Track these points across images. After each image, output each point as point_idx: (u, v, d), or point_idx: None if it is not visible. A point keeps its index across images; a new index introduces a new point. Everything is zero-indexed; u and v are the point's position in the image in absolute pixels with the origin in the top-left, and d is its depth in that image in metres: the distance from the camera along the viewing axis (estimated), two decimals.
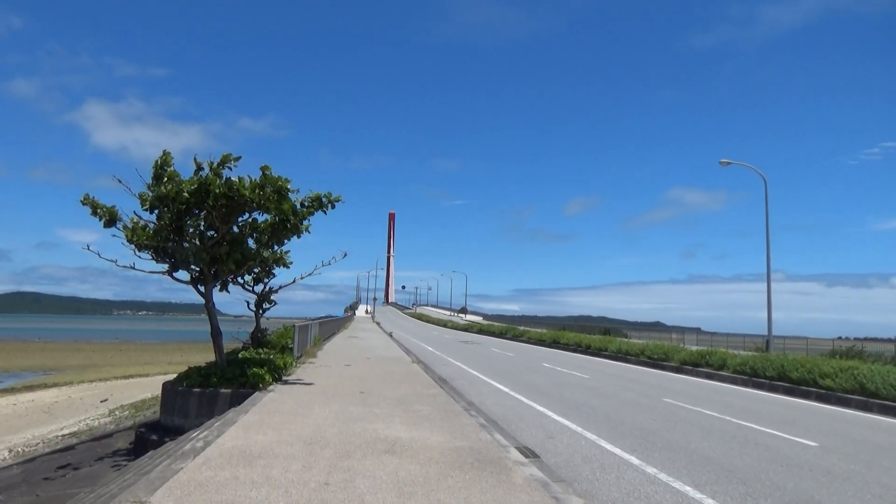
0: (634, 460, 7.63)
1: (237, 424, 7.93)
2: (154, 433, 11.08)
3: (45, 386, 37.47)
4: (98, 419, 24.02)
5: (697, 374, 19.21)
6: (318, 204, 12.43)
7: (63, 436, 20.96)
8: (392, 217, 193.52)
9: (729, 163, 31.16)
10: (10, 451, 19.34)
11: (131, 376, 41.54)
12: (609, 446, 8.43)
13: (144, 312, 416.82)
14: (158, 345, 78.23)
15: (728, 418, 11.18)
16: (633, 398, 13.67)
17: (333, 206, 12.56)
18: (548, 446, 8.31)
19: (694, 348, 22.68)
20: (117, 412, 25.04)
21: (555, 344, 34.64)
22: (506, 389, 14.65)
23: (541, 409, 11.72)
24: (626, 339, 30.59)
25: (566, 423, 10.23)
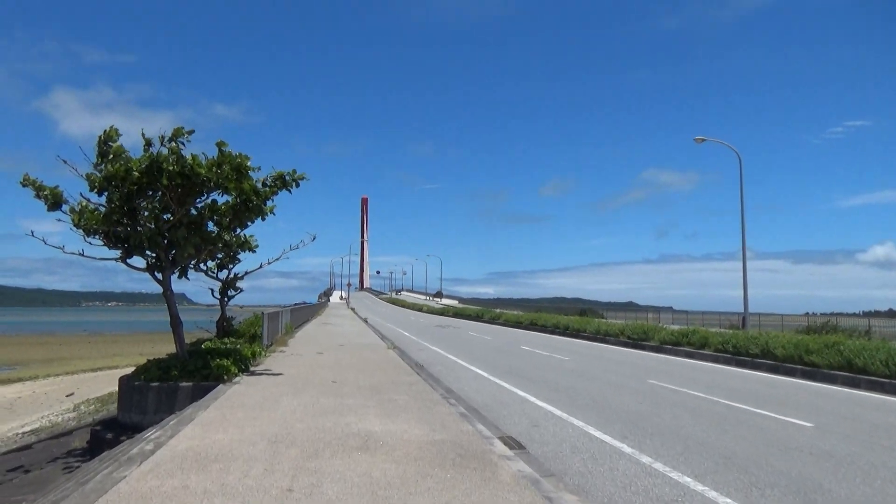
0: (626, 448, 7.12)
1: (195, 422, 7.21)
2: (110, 431, 10.31)
3: (9, 381, 36.03)
4: (62, 415, 23.03)
5: (678, 354, 18.91)
6: (282, 182, 11.64)
7: (22, 433, 19.98)
8: (365, 202, 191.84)
9: (703, 140, 30.86)
10: None
11: (100, 369, 40.22)
12: (598, 433, 7.91)
13: (114, 303, 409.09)
14: (128, 336, 76.39)
15: (716, 399, 10.77)
16: (616, 380, 13.23)
17: (298, 185, 11.79)
18: (533, 436, 7.76)
19: (675, 327, 22.41)
20: (82, 407, 24.05)
21: (532, 326, 34.29)
22: (485, 374, 14.11)
23: (523, 394, 11.20)
24: (604, 320, 30.32)
25: (551, 409, 9.71)
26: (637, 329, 22.58)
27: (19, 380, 36.24)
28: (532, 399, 10.64)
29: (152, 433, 6.95)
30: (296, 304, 48.17)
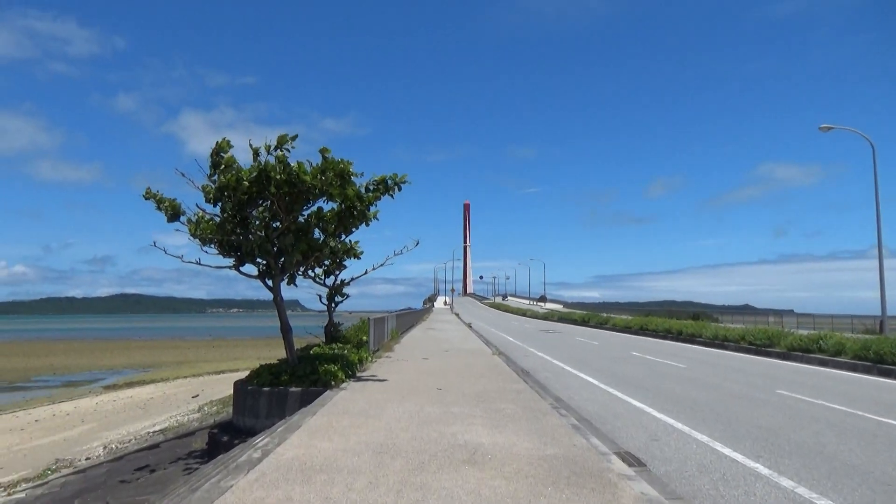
0: (762, 469, 6.37)
1: (302, 429, 7.21)
2: (226, 434, 10.65)
3: (143, 382, 39.00)
4: (187, 415, 24.45)
5: (809, 361, 17.28)
6: (384, 187, 11.63)
7: (153, 432, 21.34)
8: (467, 207, 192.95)
9: (830, 128, 28.32)
10: (105, 447, 19.79)
11: (222, 371, 42.69)
12: (727, 450, 7.17)
13: (235, 310, 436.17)
14: (248, 340, 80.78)
15: (862, 413, 9.60)
16: (740, 390, 12.18)
17: (400, 189, 11.74)
18: (653, 451, 7.16)
19: (803, 332, 20.58)
20: (206, 408, 25.44)
21: (642, 331, 32.81)
22: (595, 382, 13.45)
23: (638, 404, 10.50)
24: (721, 325, 28.42)
25: (670, 421, 9.00)
26: (760, 334, 20.91)
27: (152, 381, 39.14)
28: (648, 410, 9.94)
29: (261, 440, 7.00)
30: (401, 310, 49.00)
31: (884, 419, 9.13)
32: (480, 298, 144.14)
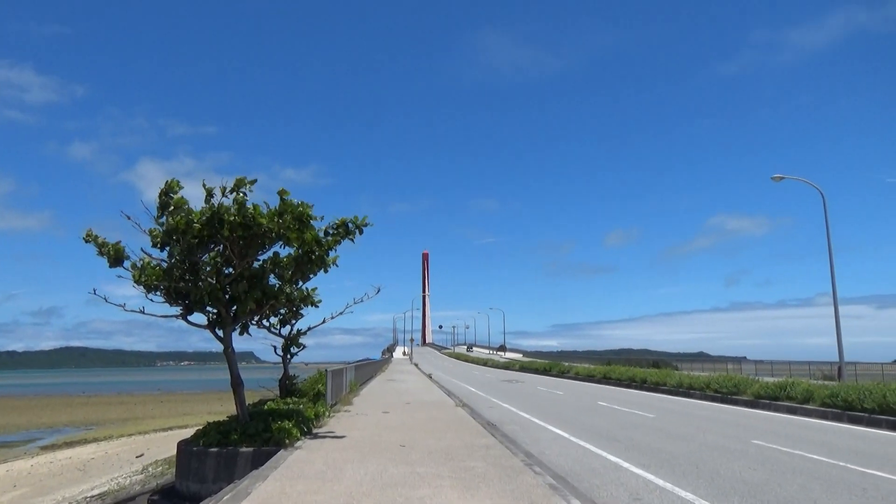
0: None
1: (249, 499, 6.42)
2: (168, 502, 9.67)
3: (85, 441, 36.66)
4: (130, 476, 22.79)
5: (777, 409, 17.05)
6: (345, 230, 11.08)
7: (90, 497, 19.73)
8: (426, 257, 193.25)
9: (782, 178, 29.13)
10: None
11: (170, 428, 40.52)
12: None
13: (186, 362, 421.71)
14: (199, 394, 77.53)
15: (843, 464, 9.25)
16: (715, 441, 11.76)
17: (361, 232, 11.20)
18: None
19: (770, 380, 20.46)
20: (151, 468, 23.80)
21: (605, 379, 32.45)
22: (565, 435, 12.87)
23: (613, 458, 9.95)
24: (686, 373, 28.27)
25: (649, 477, 8.46)
26: (725, 382, 20.71)
27: (95, 440, 36.79)
28: (625, 465, 9.39)
29: None
30: (360, 361, 47.69)
31: (868, 470, 8.78)
32: (440, 348, 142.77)
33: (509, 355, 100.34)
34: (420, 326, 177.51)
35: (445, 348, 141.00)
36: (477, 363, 74.00)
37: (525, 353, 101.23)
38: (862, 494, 7.34)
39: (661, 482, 8.12)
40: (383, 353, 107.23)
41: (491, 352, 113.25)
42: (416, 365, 63.76)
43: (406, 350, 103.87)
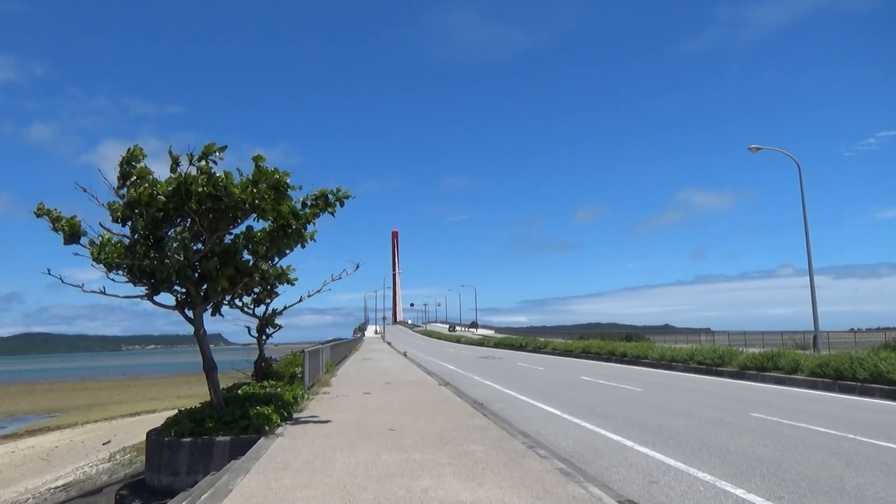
0: None
1: (231, 496, 5.71)
2: (137, 497, 8.88)
3: (49, 429, 35.33)
4: (96, 465, 21.84)
5: (764, 380, 16.86)
6: (324, 203, 10.26)
7: (55, 488, 18.78)
8: (395, 235, 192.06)
9: (759, 148, 28.90)
10: None
11: (137, 413, 39.32)
12: (740, 492, 6.16)
13: (153, 346, 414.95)
14: (167, 378, 75.86)
15: (853, 436, 8.91)
16: (713, 415, 11.38)
17: (342, 204, 10.39)
18: (660, 498, 6.06)
19: (754, 350, 20.31)
20: (118, 455, 22.86)
21: (585, 354, 32.28)
22: (557, 412, 12.39)
23: (614, 437, 9.46)
24: (668, 346, 28.16)
25: (658, 456, 7.97)
26: (710, 353, 20.52)
27: (58, 428, 35.47)
28: (628, 443, 8.91)
29: None
30: (331, 340, 46.84)
31: (880, 442, 8.44)
32: (412, 326, 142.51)
33: (481, 331, 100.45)
34: (391, 305, 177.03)
35: (417, 326, 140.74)
36: (450, 340, 73.77)
37: (497, 330, 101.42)
38: (886, 470, 6.95)
39: (672, 461, 7.63)
40: (355, 333, 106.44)
41: (463, 328, 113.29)
42: (389, 343, 63.21)
43: (378, 329, 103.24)
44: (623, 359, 27.16)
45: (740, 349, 21.44)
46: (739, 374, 18.09)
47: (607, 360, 28.78)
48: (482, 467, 6.71)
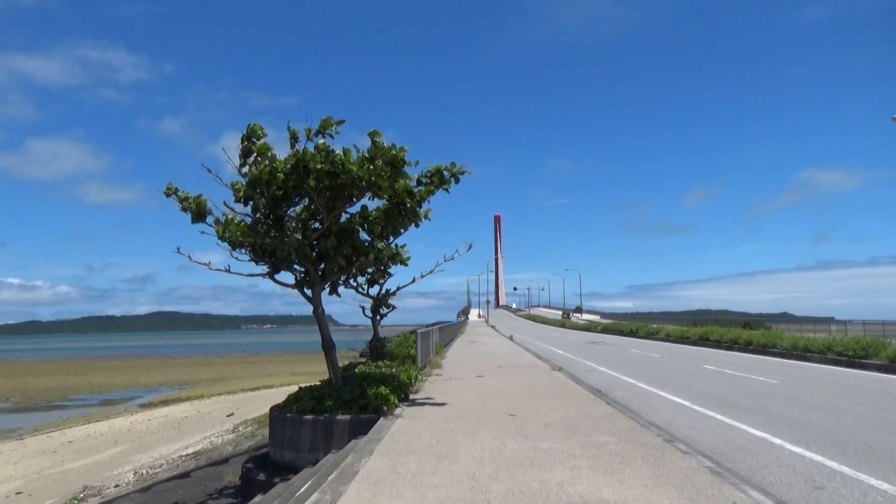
0: None
1: (359, 478, 5.52)
2: (262, 471, 9.05)
3: (179, 400, 38.09)
4: (221, 436, 23.14)
5: None
6: (439, 179, 9.95)
7: (185, 455, 20.03)
8: (497, 219, 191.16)
9: None
10: (135, 472, 18.56)
11: (257, 388, 41.58)
12: None
13: (269, 326, 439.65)
14: (282, 356, 79.95)
15: None
16: (870, 413, 10.12)
17: (457, 181, 10.04)
18: None
19: None
20: (241, 427, 24.12)
21: (702, 341, 30.51)
22: (686, 403, 11.53)
23: (758, 433, 8.58)
24: (801, 335, 25.99)
25: (816, 458, 7.08)
26: (852, 344, 18.61)
27: (188, 399, 38.15)
28: (777, 441, 8.02)
29: (307, 493, 5.33)
30: (436, 323, 47.24)
31: None
32: (515, 310, 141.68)
33: (586, 317, 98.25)
34: (493, 289, 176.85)
35: (521, 310, 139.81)
36: (554, 325, 72.56)
37: (602, 315, 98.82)
38: None
39: (834, 465, 6.74)
40: (458, 316, 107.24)
41: (567, 314, 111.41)
42: (492, 327, 63.03)
43: (481, 312, 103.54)
44: (747, 347, 25.33)
45: (891, 341, 19.29)
46: (888, 368, 16.23)
47: (728, 348, 26.99)
48: (618, 461, 6.17)
